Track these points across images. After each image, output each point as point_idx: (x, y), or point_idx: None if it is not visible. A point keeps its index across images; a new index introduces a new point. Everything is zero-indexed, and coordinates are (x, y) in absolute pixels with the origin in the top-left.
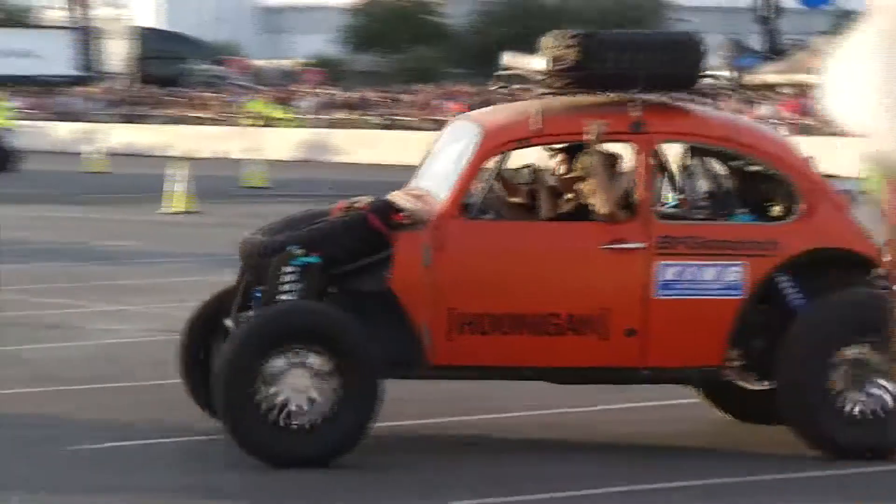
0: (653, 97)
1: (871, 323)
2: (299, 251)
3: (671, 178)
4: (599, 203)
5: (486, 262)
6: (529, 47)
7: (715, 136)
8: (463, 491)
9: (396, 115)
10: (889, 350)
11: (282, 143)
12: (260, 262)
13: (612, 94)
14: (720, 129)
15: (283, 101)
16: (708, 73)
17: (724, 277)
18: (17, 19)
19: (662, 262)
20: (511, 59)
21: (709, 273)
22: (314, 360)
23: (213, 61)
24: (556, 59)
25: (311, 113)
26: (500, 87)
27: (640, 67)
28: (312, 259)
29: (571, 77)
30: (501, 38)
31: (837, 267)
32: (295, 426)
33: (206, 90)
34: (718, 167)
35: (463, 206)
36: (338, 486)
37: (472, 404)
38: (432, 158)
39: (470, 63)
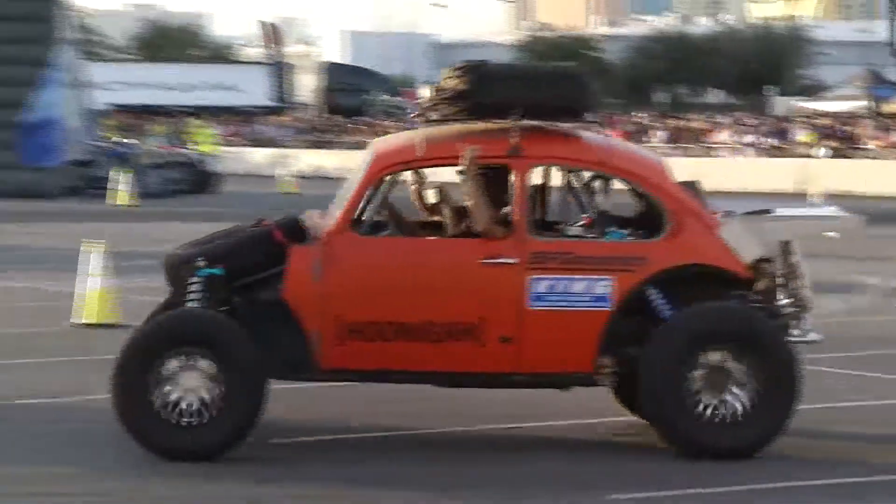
0: (532, 124)
1: (728, 332)
2: (202, 263)
3: (578, 199)
4: (475, 221)
5: (371, 274)
6: (678, 80)
7: (588, 161)
8: (610, 487)
9: None
10: None
11: None
12: (175, 273)
13: (496, 121)
14: (593, 154)
15: None
16: (594, 104)
17: (592, 290)
18: (221, 56)
19: (535, 275)
20: (426, 91)
21: (578, 286)
22: (203, 362)
23: (392, 93)
24: (439, 90)
25: None
26: (418, 116)
27: (522, 97)
28: (216, 271)
29: (459, 105)
30: (654, 72)
31: (710, 282)
32: (185, 423)
33: (385, 119)
34: (597, 188)
35: (354, 222)
36: (522, 482)
37: (604, 405)
38: (347, 179)
39: (625, 94)
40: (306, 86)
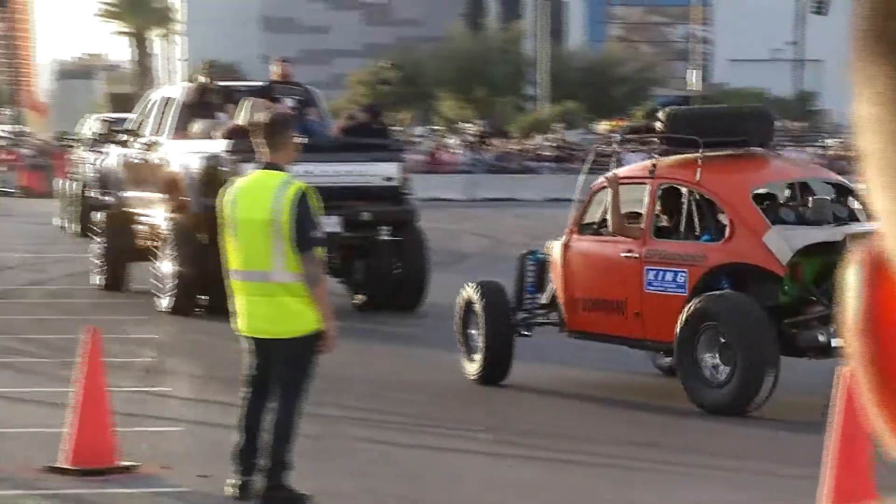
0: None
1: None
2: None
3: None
4: (610, 225)
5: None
6: None
7: (687, 181)
8: None
9: None
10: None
11: None
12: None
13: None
14: (692, 176)
15: None
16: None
17: (675, 279)
18: None
19: (648, 266)
20: None
21: (668, 276)
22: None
23: None
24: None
25: None
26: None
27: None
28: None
29: (653, 139)
30: None
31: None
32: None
33: None
34: None
35: (582, 226)
36: None
37: None
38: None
39: None
40: None
